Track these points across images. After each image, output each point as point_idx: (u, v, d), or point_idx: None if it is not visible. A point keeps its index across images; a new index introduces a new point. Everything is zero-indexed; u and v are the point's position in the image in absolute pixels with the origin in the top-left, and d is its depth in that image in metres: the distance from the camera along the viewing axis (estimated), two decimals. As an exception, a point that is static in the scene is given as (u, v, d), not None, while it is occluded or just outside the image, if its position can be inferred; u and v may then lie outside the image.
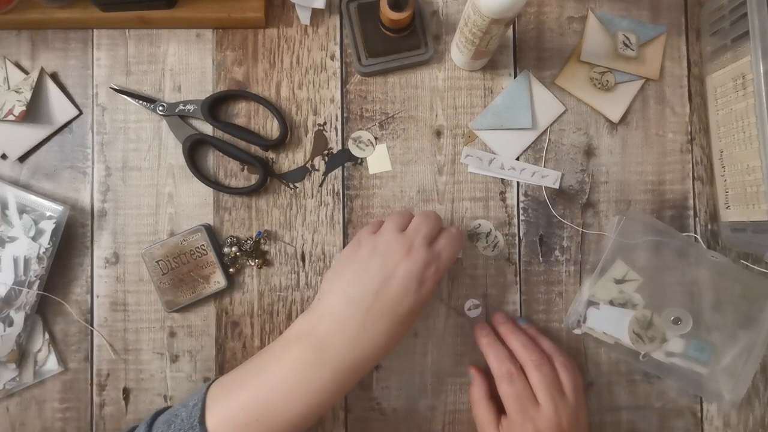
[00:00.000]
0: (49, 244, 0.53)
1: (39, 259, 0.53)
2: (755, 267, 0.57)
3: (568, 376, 0.50)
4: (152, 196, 0.56)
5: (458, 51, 0.54)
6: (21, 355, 0.54)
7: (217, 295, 0.56)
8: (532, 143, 0.58)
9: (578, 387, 0.50)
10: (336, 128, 0.57)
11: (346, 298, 0.45)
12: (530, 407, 0.49)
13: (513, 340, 0.52)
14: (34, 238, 0.53)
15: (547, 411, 0.48)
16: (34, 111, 0.55)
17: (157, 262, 0.55)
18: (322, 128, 0.57)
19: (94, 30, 0.57)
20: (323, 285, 0.48)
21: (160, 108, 0.56)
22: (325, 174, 0.57)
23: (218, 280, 0.55)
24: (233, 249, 0.55)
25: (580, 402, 0.50)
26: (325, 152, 0.57)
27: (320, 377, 0.44)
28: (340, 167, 0.57)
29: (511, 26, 0.58)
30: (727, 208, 0.56)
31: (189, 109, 0.56)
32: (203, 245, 0.55)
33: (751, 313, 0.54)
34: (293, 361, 0.44)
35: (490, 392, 0.52)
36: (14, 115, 0.54)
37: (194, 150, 0.56)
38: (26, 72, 0.56)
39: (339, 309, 0.45)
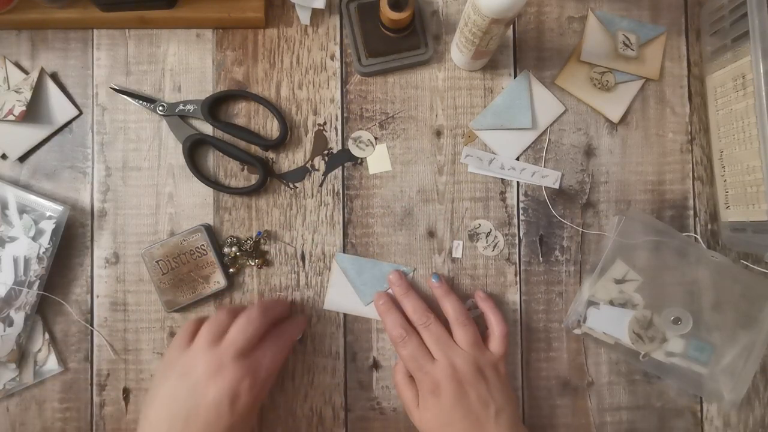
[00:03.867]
0: (49, 244, 0.53)
1: (39, 259, 0.53)
2: (755, 267, 0.57)
3: (462, 332, 0.51)
4: (152, 196, 0.56)
5: (458, 51, 0.54)
6: (21, 355, 0.54)
7: (217, 296, 0.56)
8: (532, 143, 0.58)
9: (471, 341, 0.50)
10: (336, 128, 0.57)
11: None
12: (426, 363, 0.49)
13: (404, 303, 0.53)
14: (34, 238, 0.53)
15: (441, 362, 0.49)
16: (34, 111, 0.55)
17: (157, 262, 0.55)
18: (322, 128, 0.57)
19: (94, 30, 0.57)
20: (141, 416, 0.46)
21: (160, 108, 0.56)
22: (325, 174, 0.57)
23: (218, 280, 0.55)
24: (233, 249, 0.55)
25: (481, 354, 0.50)
26: (325, 152, 0.57)
27: None
28: (340, 167, 0.57)
29: (511, 26, 0.58)
30: (727, 208, 0.56)
31: (189, 109, 0.56)
32: (203, 245, 0.55)
33: (751, 313, 0.54)
34: None
35: (409, 374, 0.52)
36: (14, 115, 0.54)
37: (194, 150, 0.56)
38: (26, 72, 0.56)
39: None
